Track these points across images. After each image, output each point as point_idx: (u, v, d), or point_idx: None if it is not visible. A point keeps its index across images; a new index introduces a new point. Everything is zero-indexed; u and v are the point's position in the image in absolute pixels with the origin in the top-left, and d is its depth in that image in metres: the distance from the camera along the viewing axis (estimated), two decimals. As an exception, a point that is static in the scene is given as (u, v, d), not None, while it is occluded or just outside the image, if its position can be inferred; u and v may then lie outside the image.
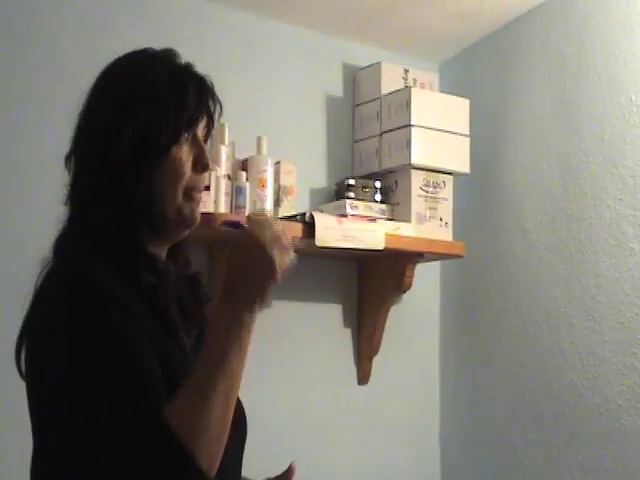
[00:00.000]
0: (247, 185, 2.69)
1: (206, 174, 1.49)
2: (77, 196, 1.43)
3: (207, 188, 2.57)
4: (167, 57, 1.49)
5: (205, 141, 1.50)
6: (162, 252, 1.48)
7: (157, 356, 1.29)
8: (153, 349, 1.29)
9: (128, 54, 1.51)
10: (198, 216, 1.47)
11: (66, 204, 1.45)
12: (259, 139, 2.77)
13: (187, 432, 1.20)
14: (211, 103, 1.49)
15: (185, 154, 1.43)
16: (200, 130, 1.47)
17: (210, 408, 1.23)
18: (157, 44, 1.53)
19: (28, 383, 1.36)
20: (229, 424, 1.27)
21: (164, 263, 1.47)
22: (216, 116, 1.52)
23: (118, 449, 1.19)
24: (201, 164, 1.45)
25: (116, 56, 1.51)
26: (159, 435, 1.19)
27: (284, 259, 1.32)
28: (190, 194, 1.44)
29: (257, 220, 1.35)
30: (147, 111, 1.40)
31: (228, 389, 1.26)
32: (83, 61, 2.58)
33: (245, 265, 1.30)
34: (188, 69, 1.49)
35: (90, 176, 1.41)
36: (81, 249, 1.37)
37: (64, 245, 1.41)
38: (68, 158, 1.46)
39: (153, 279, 1.40)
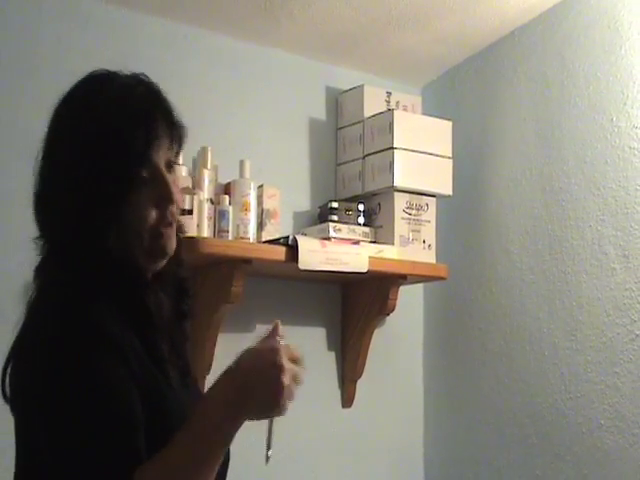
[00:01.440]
0: (230, 209, 2.69)
1: (173, 207, 1.43)
2: (51, 234, 1.41)
3: (190, 212, 2.57)
4: (120, 90, 1.44)
5: (170, 166, 1.44)
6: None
7: (147, 394, 1.28)
8: (141, 390, 1.28)
9: (80, 86, 1.48)
10: (170, 248, 1.43)
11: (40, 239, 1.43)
12: (242, 163, 2.77)
13: None
14: (166, 125, 1.43)
15: (144, 195, 1.38)
16: (162, 160, 1.41)
17: None
18: (137, 69, 1.53)
19: (12, 407, 1.35)
20: None
21: (155, 294, 1.44)
22: (179, 136, 1.47)
23: None
24: (164, 201, 1.40)
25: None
26: None
27: (292, 390, 1.30)
28: (156, 232, 1.40)
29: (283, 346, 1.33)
30: (92, 166, 1.35)
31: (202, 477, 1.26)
32: (61, 85, 2.58)
33: (257, 378, 1.28)
34: (141, 97, 1.43)
35: (59, 224, 1.39)
36: (70, 278, 1.35)
37: (51, 272, 1.39)
38: (36, 199, 1.43)
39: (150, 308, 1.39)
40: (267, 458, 1.32)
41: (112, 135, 1.36)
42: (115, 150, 1.36)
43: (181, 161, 2.63)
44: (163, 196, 1.40)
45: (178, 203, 1.44)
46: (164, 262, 1.46)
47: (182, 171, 2.61)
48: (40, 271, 1.40)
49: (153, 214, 1.39)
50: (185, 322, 1.54)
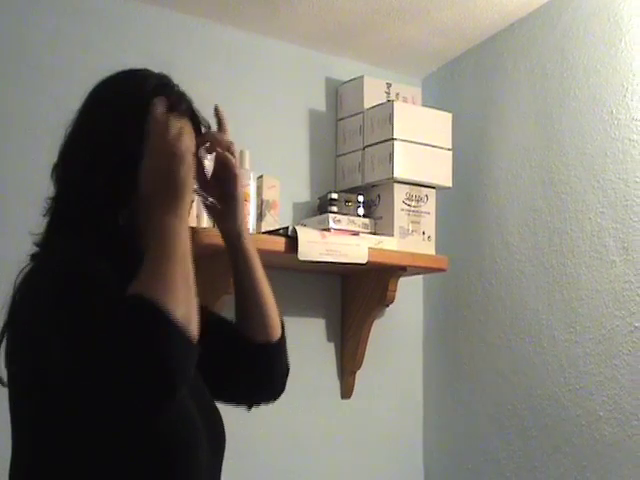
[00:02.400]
0: (230, 199, 2.69)
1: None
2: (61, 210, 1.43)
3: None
4: (158, 81, 1.49)
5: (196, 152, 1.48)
6: None
7: None
8: None
9: (116, 75, 1.50)
10: None
11: (45, 215, 1.44)
12: (241, 153, 2.76)
13: (156, 295, 1.19)
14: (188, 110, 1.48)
15: None
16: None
17: (171, 273, 1.23)
18: (140, 60, 1.54)
19: (10, 373, 1.35)
20: (193, 289, 1.27)
21: None
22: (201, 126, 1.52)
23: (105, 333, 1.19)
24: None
25: (95, 73, 1.51)
26: (133, 307, 1.19)
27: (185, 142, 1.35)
28: None
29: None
30: (121, 147, 1.40)
31: (182, 260, 1.27)
32: (62, 77, 2.59)
33: (151, 162, 1.33)
34: (172, 87, 1.49)
35: (73, 203, 1.42)
36: (70, 245, 1.37)
37: (51, 243, 1.42)
38: (54, 170, 1.46)
39: None
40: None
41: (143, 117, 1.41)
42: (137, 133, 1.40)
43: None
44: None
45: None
46: None
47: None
48: (45, 235, 1.43)
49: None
50: None
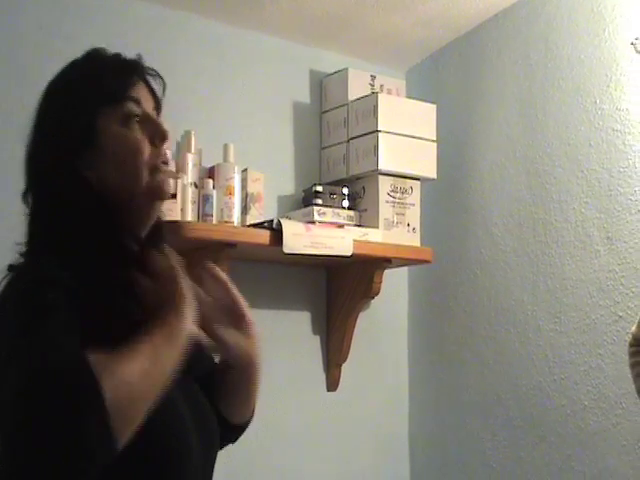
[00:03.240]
0: (214, 193, 2.69)
1: (166, 147, 1.44)
2: (39, 202, 1.41)
3: (174, 196, 2.56)
4: (98, 53, 1.48)
5: (158, 114, 1.46)
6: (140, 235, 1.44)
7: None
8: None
9: (64, 68, 1.49)
10: (169, 188, 1.43)
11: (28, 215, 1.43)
12: (226, 147, 2.76)
13: (103, 371, 1.13)
14: (140, 73, 1.45)
15: (138, 133, 1.39)
16: (146, 105, 1.43)
17: (131, 367, 1.17)
18: (124, 51, 1.53)
19: None
20: (148, 401, 1.20)
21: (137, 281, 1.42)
22: (157, 88, 1.47)
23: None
24: (158, 136, 1.41)
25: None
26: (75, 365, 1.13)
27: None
28: (155, 166, 1.40)
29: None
30: (70, 97, 1.40)
31: (151, 364, 1.20)
32: (43, 70, 2.57)
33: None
34: (117, 55, 1.46)
35: (47, 182, 1.39)
36: (47, 252, 1.34)
37: (33, 250, 1.39)
38: (25, 193, 1.42)
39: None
40: None
41: (88, 70, 1.43)
42: (89, 81, 1.41)
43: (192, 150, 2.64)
44: (157, 132, 1.42)
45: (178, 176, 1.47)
46: (159, 207, 1.45)
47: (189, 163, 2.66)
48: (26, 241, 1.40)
49: (147, 149, 1.40)
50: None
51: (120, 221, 1.38)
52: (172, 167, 1.50)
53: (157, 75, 1.48)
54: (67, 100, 1.41)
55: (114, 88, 1.40)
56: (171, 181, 1.44)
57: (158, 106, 1.48)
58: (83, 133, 1.38)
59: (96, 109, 1.38)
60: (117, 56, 1.46)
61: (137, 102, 1.41)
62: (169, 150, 1.50)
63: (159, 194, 1.42)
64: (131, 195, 1.39)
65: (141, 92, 1.43)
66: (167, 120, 1.47)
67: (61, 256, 1.32)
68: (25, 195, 1.42)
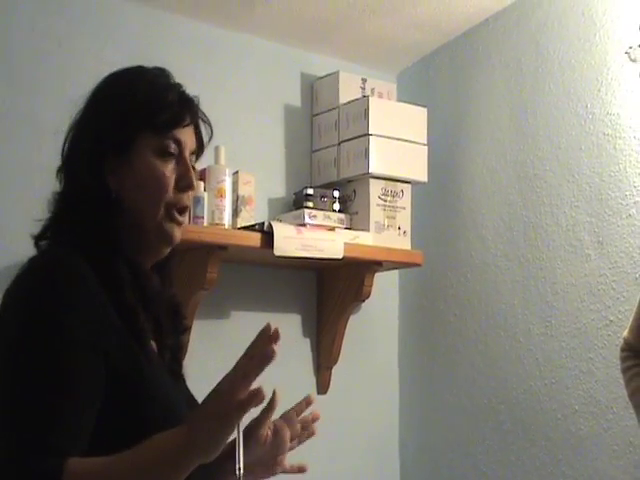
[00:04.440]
0: (205, 195, 2.68)
1: (189, 195, 1.45)
2: (61, 198, 1.43)
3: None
4: (157, 73, 1.49)
5: (193, 165, 1.47)
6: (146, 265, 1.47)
7: (123, 368, 1.29)
8: (116, 366, 1.28)
9: (123, 69, 1.51)
10: (177, 237, 1.44)
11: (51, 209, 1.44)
12: (217, 149, 2.75)
13: None
14: (193, 115, 1.48)
15: (169, 170, 1.41)
16: (187, 146, 1.45)
17: None
18: (114, 56, 1.54)
19: None
20: None
21: (146, 271, 1.46)
22: (205, 138, 1.51)
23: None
24: (185, 182, 1.42)
25: (71, 68, 1.51)
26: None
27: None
28: (172, 212, 1.42)
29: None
30: (118, 111, 1.42)
31: None
32: (37, 73, 2.57)
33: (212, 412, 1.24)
34: (174, 84, 1.49)
35: (71, 179, 1.42)
36: (61, 245, 1.37)
37: (50, 236, 1.41)
38: (60, 170, 1.46)
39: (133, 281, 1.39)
40: (239, 474, 1.28)
41: (143, 93, 1.43)
42: (141, 103, 1.42)
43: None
44: (184, 177, 1.43)
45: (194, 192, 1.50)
46: (166, 252, 1.47)
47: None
48: (42, 232, 1.43)
49: (172, 188, 1.42)
50: (179, 310, 1.56)
51: (124, 245, 1.41)
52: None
53: (207, 123, 1.52)
54: (121, 106, 1.42)
55: (165, 121, 1.42)
56: (179, 231, 1.46)
57: (200, 151, 1.50)
58: (120, 143, 1.40)
59: (140, 129, 1.41)
60: (179, 87, 1.48)
61: (179, 143, 1.43)
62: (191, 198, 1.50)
63: (165, 240, 1.44)
64: (144, 222, 1.42)
65: (187, 133, 1.46)
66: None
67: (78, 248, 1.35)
68: (58, 172, 1.46)
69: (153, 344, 1.43)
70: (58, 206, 1.43)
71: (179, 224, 1.44)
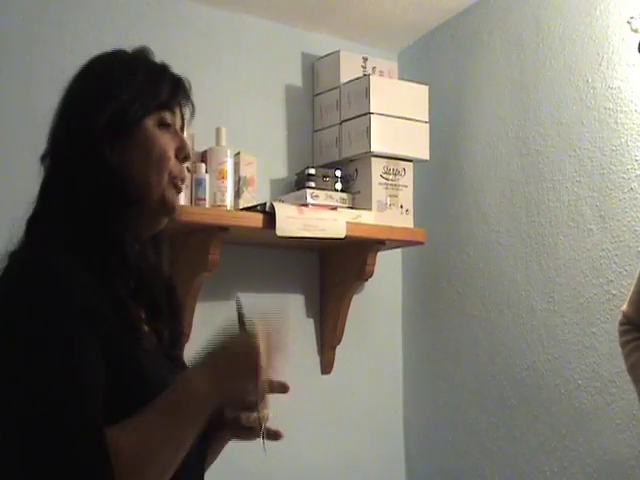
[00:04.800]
0: (207, 177, 2.69)
1: (187, 165, 1.49)
2: (55, 180, 1.42)
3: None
4: (145, 54, 1.51)
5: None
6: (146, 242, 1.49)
7: (117, 357, 1.29)
8: (110, 353, 1.28)
9: (107, 52, 1.51)
10: (178, 205, 1.47)
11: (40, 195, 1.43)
12: (218, 130, 2.76)
13: (126, 463, 1.21)
14: (184, 100, 1.51)
15: (169, 140, 1.44)
16: (178, 124, 1.48)
17: (156, 456, 1.25)
18: (112, 38, 1.55)
19: None
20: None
21: (146, 253, 1.47)
22: (187, 115, 1.53)
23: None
24: (183, 153, 1.46)
25: (70, 52, 1.51)
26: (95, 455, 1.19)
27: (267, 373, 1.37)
28: (174, 182, 1.44)
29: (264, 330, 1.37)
30: (121, 92, 1.42)
31: (176, 443, 1.29)
32: (39, 60, 2.57)
33: (235, 360, 1.34)
34: (165, 66, 1.51)
35: (69, 158, 1.41)
36: (49, 234, 1.36)
37: (34, 230, 1.40)
38: (44, 157, 1.45)
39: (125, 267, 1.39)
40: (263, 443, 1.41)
41: (146, 74, 1.46)
42: (145, 84, 1.44)
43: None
44: (182, 149, 1.47)
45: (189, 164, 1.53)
46: (164, 222, 1.49)
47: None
48: (27, 227, 1.41)
49: (173, 159, 1.45)
50: (174, 291, 1.57)
51: (128, 217, 1.41)
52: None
53: (191, 104, 1.54)
54: (121, 87, 1.44)
55: (168, 96, 1.46)
56: (178, 200, 1.48)
57: (182, 128, 1.52)
58: (123, 122, 1.41)
59: (148, 108, 1.43)
60: (169, 69, 1.51)
61: (174, 116, 1.47)
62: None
63: (168, 208, 1.45)
64: (149, 191, 1.42)
65: (177, 113, 1.50)
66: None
67: (66, 240, 1.34)
68: (43, 159, 1.45)
69: (147, 329, 1.44)
70: (49, 191, 1.42)
71: (179, 192, 1.47)
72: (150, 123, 1.43)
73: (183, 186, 1.48)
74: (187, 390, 1.30)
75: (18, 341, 1.24)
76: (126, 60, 1.49)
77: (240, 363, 1.34)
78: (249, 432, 1.52)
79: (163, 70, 1.49)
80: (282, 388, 1.52)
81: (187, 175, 1.49)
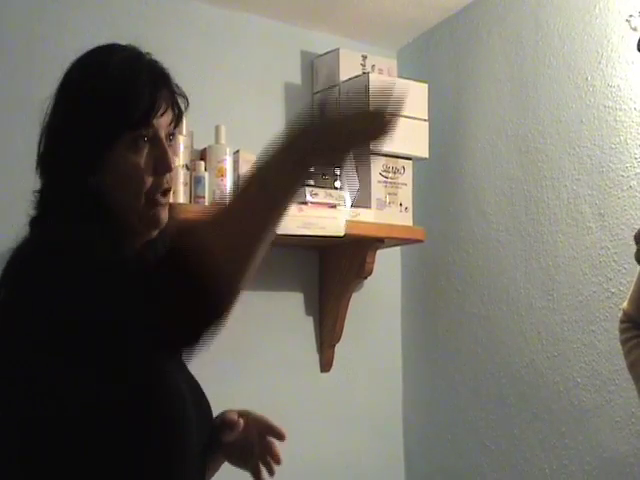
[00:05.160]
0: (206, 175, 2.68)
1: (169, 176, 1.43)
2: (47, 191, 1.42)
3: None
4: (127, 54, 1.46)
5: (170, 138, 1.45)
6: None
7: None
8: None
9: (89, 51, 1.48)
10: (163, 219, 1.43)
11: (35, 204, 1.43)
12: (217, 128, 2.76)
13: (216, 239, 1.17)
14: (168, 96, 1.45)
15: (143, 159, 1.39)
16: (163, 128, 1.42)
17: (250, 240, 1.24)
18: (112, 36, 1.52)
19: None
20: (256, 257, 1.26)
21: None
22: (180, 108, 1.48)
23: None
24: (162, 166, 1.40)
25: (69, 51, 1.50)
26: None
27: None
28: (153, 198, 1.40)
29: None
30: (90, 116, 1.39)
31: (270, 224, 1.26)
32: (34, 56, 2.57)
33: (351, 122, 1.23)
34: (147, 65, 1.46)
35: (52, 180, 1.41)
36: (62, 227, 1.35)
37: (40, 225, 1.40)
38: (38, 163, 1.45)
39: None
40: None
41: (116, 90, 1.39)
42: (117, 104, 1.38)
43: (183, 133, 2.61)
44: (161, 162, 1.41)
45: (174, 173, 1.46)
46: (155, 233, 1.45)
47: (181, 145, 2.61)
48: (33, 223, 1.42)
49: (150, 179, 1.40)
50: None
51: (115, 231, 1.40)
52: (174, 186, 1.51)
53: (183, 95, 1.49)
54: (89, 110, 1.40)
55: (141, 116, 1.40)
56: (165, 212, 1.44)
57: (177, 122, 1.48)
58: (95, 147, 1.38)
59: (117, 132, 1.39)
60: (150, 66, 1.46)
61: (152, 128, 1.41)
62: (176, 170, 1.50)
63: (152, 225, 1.43)
64: (127, 213, 1.40)
65: (164, 111, 1.43)
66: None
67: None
68: (37, 166, 1.44)
69: None
70: (40, 203, 1.42)
71: (164, 206, 1.42)
72: (121, 146, 1.39)
73: (167, 198, 1.43)
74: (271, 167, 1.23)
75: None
76: (97, 76, 1.43)
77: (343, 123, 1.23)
78: (240, 462, 1.58)
79: (137, 76, 1.42)
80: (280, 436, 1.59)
81: (170, 186, 1.44)
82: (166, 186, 1.42)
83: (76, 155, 1.38)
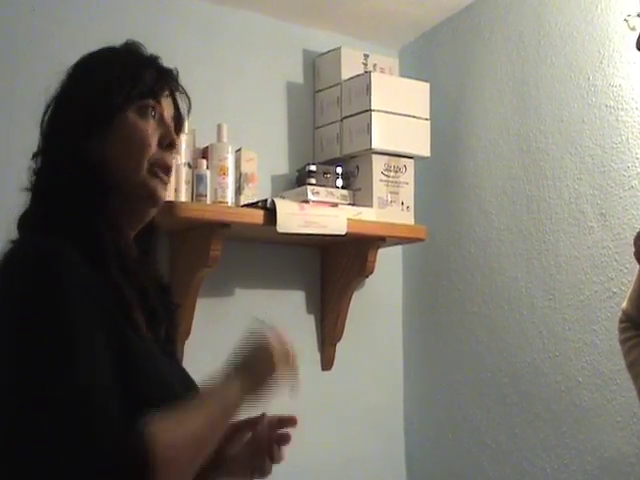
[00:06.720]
0: (208, 173, 2.69)
1: (172, 155, 1.46)
2: (40, 173, 1.43)
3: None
4: (130, 47, 1.50)
5: (177, 132, 1.49)
6: (130, 234, 1.47)
7: (116, 345, 1.28)
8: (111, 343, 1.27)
9: (94, 50, 1.51)
10: (163, 196, 1.45)
11: (29, 189, 1.43)
12: (219, 127, 2.76)
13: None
14: (173, 89, 1.49)
15: (151, 128, 1.43)
16: (166, 113, 1.46)
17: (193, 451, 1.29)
18: (114, 34, 1.54)
19: None
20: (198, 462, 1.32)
21: (130, 244, 1.46)
22: (182, 106, 1.51)
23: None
24: (167, 140, 1.44)
25: (71, 48, 1.52)
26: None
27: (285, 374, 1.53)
28: (154, 170, 1.42)
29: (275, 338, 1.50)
30: (101, 82, 1.42)
31: (209, 440, 1.34)
32: (39, 53, 2.57)
33: (258, 363, 1.46)
34: (151, 57, 1.50)
35: (52, 152, 1.42)
36: (44, 226, 1.35)
37: (26, 224, 1.40)
38: (35, 154, 1.45)
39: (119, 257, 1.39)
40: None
41: (127, 65, 1.45)
42: (129, 74, 1.44)
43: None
44: (167, 136, 1.45)
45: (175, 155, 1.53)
46: (151, 213, 1.47)
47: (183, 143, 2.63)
48: (20, 223, 1.42)
49: (155, 147, 1.43)
50: (168, 290, 1.56)
51: (106, 207, 1.40)
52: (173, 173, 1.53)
53: (186, 95, 1.53)
54: (105, 80, 1.43)
55: (151, 84, 1.45)
56: (164, 190, 1.46)
57: (179, 124, 1.51)
58: (103, 112, 1.41)
59: (129, 97, 1.42)
60: (156, 59, 1.50)
61: (160, 106, 1.46)
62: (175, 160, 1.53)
63: (150, 197, 1.44)
64: (126, 177, 1.41)
65: (166, 102, 1.48)
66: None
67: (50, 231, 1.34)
68: (35, 155, 1.45)
69: (142, 324, 1.43)
70: (39, 184, 1.42)
71: (163, 183, 1.44)
72: (131, 111, 1.42)
73: (168, 176, 1.45)
74: (233, 386, 1.39)
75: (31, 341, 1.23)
76: (108, 53, 1.49)
77: (265, 364, 1.47)
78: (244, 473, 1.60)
79: (148, 60, 1.49)
80: (291, 422, 1.67)
81: (171, 163, 1.46)
82: (169, 161, 1.45)
83: (84, 120, 1.40)
